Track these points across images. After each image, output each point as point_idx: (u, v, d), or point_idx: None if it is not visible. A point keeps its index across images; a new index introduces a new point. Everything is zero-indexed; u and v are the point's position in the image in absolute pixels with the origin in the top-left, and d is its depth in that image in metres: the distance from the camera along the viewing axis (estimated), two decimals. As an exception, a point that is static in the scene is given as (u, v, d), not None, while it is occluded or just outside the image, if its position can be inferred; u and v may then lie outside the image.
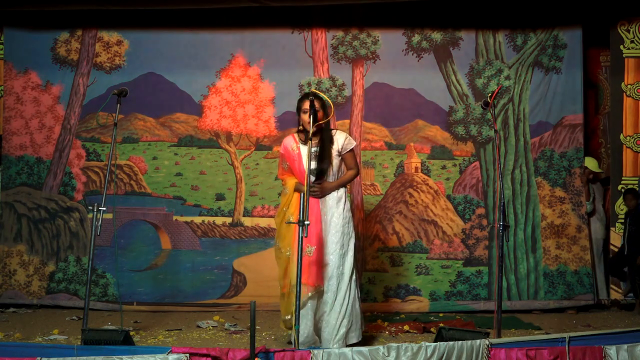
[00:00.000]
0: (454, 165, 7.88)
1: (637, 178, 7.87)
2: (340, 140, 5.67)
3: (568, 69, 7.86)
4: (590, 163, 8.00)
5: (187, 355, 4.46)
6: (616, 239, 7.88)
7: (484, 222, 7.80)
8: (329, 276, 5.53)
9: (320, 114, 5.52)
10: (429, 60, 7.89)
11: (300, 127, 5.69)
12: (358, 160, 7.69)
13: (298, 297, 5.01)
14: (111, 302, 7.70)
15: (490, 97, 5.53)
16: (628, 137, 7.95)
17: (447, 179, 7.88)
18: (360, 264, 7.68)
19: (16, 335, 6.25)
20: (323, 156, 5.60)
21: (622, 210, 7.84)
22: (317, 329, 5.57)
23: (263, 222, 7.89)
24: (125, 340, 5.08)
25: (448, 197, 7.85)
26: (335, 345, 5.36)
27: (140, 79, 7.96)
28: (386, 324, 6.72)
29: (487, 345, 4.67)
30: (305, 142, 5.58)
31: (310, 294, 5.47)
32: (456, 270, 7.77)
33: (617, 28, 7.97)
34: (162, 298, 7.76)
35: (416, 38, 7.90)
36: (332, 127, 6.24)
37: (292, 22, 7.94)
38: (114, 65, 8.00)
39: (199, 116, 7.98)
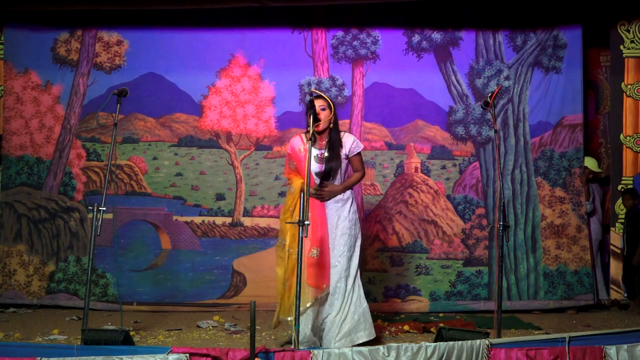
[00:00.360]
0: (454, 165, 7.89)
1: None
2: (348, 143, 5.65)
3: (568, 69, 7.86)
4: (590, 163, 8.00)
5: (187, 355, 4.46)
6: (616, 239, 7.88)
7: (484, 222, 7.80)
8: (338, 278, 5.52)
9: (326, 113, 5.52)
10: (429, 60, 7.89)
11: (308, 129, 5.66)
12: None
13: (298, 297, 5.01)
14: (111, 302, 7.70)
15: (490, 97, 5.53)
16: (628, 137, 7.96)
17: (447, 179, 7.88)
18: (360, 264, 7.67)
19: (16, 335, 6.24)
20: (331, 158, 5.58)
21: (622, 210, 7.84)
22: (317, 331, 5.55)
23: (263, 222, 7.89)
24: (125, 340, 5.08)
25: (448, 197, 7.86)
26: (337, 344, 5.35)
27: (140, 79, 7.96)
28: (386, 324, 6.72)
29: (487, 345, 4.67)
30: (313, 143, 5.57)
31: (317, 297, 5.44)
32: (456, 270, 7.77)
33: (617, 28, 7.97)
34: (162, 298, 7.77)
35: (416, 38, 7.90)
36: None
37: (292, 22, 7.94)
38: (114, 65, 8.00)
39: (199, 116, 7.98)
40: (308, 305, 5.43)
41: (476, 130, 7.87)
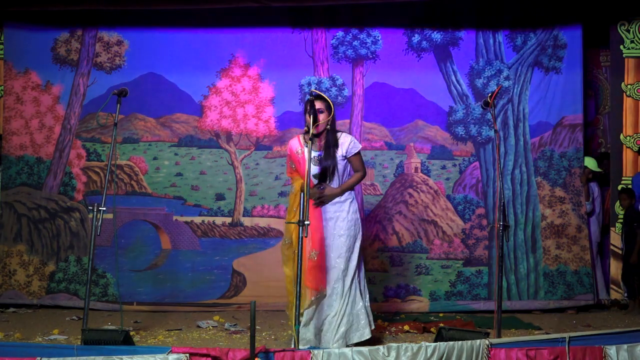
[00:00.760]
0: (454, 165, 7.89)
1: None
2: (345, 143, 5.61)
3: (568, 68, 7.86)
4: (590, 162, 8.00)
5: (187, 355, 4.45)
6: (616, 239, 7.88)
7: (484, 222, 7.80)
8: (335, 279, 5.51)
9: (324, 116, 5.51)
10: (429, 60, 7.89)
11: (306, 129, 5.65)
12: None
13: (298, 297, 5.00)
14: (111, 302, 7.70)
15: (490, 97, 5.53)
16: (628, 137, 7.96)
17: (447, 179, 7.88)
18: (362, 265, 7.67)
19: (16, 335, 6.25)
20: (325, 160, 5.56)
21: (622, 210, 7.84)
22: (317, 332, 5.54)
23: (263, 222, 7.89)
24: (125, 340, 5.08)
25: (448, 197, 7.86)
26: (335, 345, 5.35)
27: (140, 79, 7.96)
28: (386, 324, 6.72)
29: (487, 345, 4.67)
30: (312, 145, 5.56)
31: (313, 298, 5.45)
32: (456, 270, 7.77)
33: (617, 28, 7.97)
34: (162, 298, 7.77)
35: (416, 38, 7.90)
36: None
37: (292, 22, 7.94)
38: (114, 65, 8.00)
39: (199, 116, 7.98)
40: (305, 306, 5.43)
41: (476, 130, 7.87)
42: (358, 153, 5.66)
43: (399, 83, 7.92)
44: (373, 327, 5.73)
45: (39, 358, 4.40)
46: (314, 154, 5.55)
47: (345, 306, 5.50)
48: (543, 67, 7.88)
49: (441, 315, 7.49)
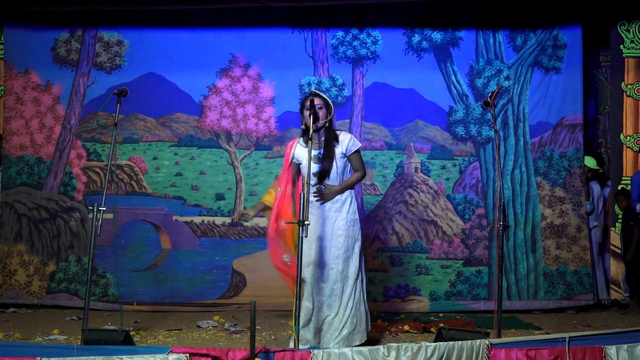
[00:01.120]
0: (454, 165, 7.89)
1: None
2: (345, 141, 5.61)
3: (568, 69, 7.86)
4: (589, 161, 8.01)
5: (187, 355, 4.45)
6: (616, 239, 7.89)
7: (484, 222, 7.80)
8: (334, 280, 5.51)
9: (322, 112, 5.50)
10: (429, 60, 7.89)
11: (303, 127, 5.64)
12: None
13: (298, 296, 5.00)
14: (111, 302, 7.70)
15: (490, 97, 5.53)
16: (628, 137, 7.96)
17: (447, 179, 7.88)
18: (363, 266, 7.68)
19: (16, 335, 6.25)
20: (325, 158, 5.56)
21: (621, 211, 7.85)
22: (316, 332, 5.53)
23: (263, 222, 7.85)
24: (125, 340, 5.08)
25: (448, 197, 7.86)
26: (335, 346, 5.34)
27: (140, 79, 7.97)
28: (386, 324, 6.72)
29: (487, 345, 4.67)
30: (306, 143, 5.55)
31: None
32: (456, 270, 7.77)
33: (617, 28, 7.97)
34: (162, 298, 7.77)
35: (416, 38, 7.90)
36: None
37: (292, 22, 7.94)
38: (114, 66, 8.00)
39: (199, 116, 7.98)
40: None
41: (476, 130, 7.87)
42: (358, 151, 5.65)
43: (399, 83, 7.92)
44: (370, 328, 5.76)
45: (39, 358, 4.40)
46: (314, 152, 5.54)
47: (349, 309, 5.49)
48: (543, 67, 7.88)
49: (441, 315, 7.50)
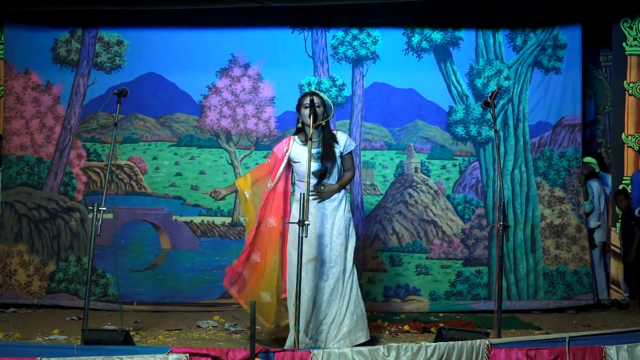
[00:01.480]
0: (454, 165, 7.89)
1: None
2: (342, 140, 5.64)
3: (568, 68, 7.86)
4: (590, 161, 8.03)
5: (187, 355, 4.46)
6: (616, 239, 7.88)
7: (484, 222, 7.80)
8: (336, 279, 5.51)
9: (321, 110, 5.50)
10: (429, 60, 7.89)
11: (300, 125, 5.65)
12: (358, 161, 7.75)
13: (298, 296, 5.00)
14: (111, 302, 7.70)
15: (490, 97, 5.52)
16: (630, 137, 7.94)
17: (447, 179, 7.88)
18: (360, 264, 7.68)
19: (16, 335, 6.25)
20: (326, 156, 5.56)
21: (622, 210, 7.85)
22: (313, 333, 5.51)
23: (263, 222, 7.88)
24: (125, 340, 5.08)
25: (448, 197, 7.86)
26: (335, 345, 5.34)
27: (140, 79, 7.97)
28: (386, 324, 6.72)
29: (487, 345, 4.67)
30: (305, 142, 5.55)
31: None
32: (456, 270, 7.77)
33: (619, 25, 7.92)
34: (162, 298, 7.77)
35: (416, 38, 7.90)
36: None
37: (292, 22, 7.94)
38: (114, 65, 8.00)
39: (198, 116, 7.98)
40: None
41: (476, 130, 7.87)
42: (351, 152, 5.69)
43: (399, 83, 7.92)
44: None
45: (39, 358, 4.40)
46: (313, 151, 5.54)
47: (346, 305, 5.50)
48: (543, 67, 7.88)
49: (441, 315, 7.49)
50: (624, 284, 7.75)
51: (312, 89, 7.55)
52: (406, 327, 6.54)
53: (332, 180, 5.60)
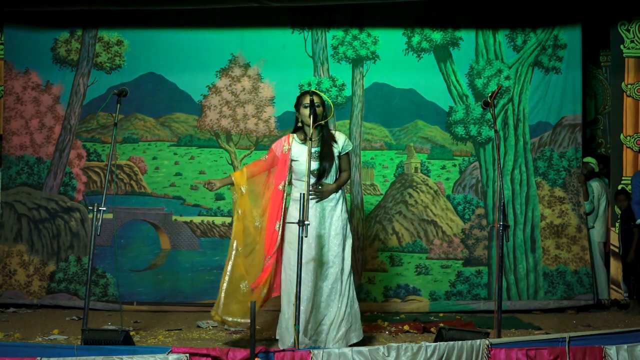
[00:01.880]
0: (454, 165, 7.89)
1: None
2: (341, 140, 5.65)
3: (568, 69, 7.86)
4: (591, 161, 8.03)
5: (187, 355, 4.46)
6: (616, 239, 7.89)
7: (484, 222, 7.80)
8: (334, 279, 5.52)
9: (320, 110, 5.50)
10: (429, 60, 7.89)
11: (299, 124, 5.65)
12: (358, 162, 7.75)
13: (298, 296, 5.00)
14: (111, 302, 7.70)
15: (490, 97, 5.53)
16: (628, 137, 7.96)
17: (447, 179, 7.88)
18: (360, 264, 7.69)
19: (16, 335, 6.25)
20: (325, 156, 5.57)
21: (622, 210, 7.85)
22: (312, 334, 5.52)
23: (263, 222, 7.87)
24: (125, 340, 5.08)
25: (448, 197, 7.86)
26: (335, 345, 5.35)
27: (140, 79, 7.97)
28: (386, 324, 6.72)
29: (487, 345, 4.67)
30: (304, 141, 5.55)
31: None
32: (456, 270, 7.77)
33: (617, 28, 7.97)
34: (162, 298, 7.77)
35: (416, 38, 7.90)
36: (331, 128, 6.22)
37: (292, 22, 7.94)
38: (114, 65, 8.00)
39: (198, 116, 7.98)
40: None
41: (476, 130, 7.87)
42: (348, 153, 5.70)
43: (399, 83, 7.92)
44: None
45: (39, 358, 4.40)
46: (313, 149, 5.54)
47: (345, 306, 5.51)
48: (543, 67, 7.88)
49: (441, 315, 7.50)
50: (624, 284, 7.76)
51: (312, 88, 7.54)
52: (406, 327, 6.54)
53: (330, 179, 5.60)
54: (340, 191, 5.66)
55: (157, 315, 7.37)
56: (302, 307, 5.32)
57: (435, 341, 4.92)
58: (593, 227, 8.02)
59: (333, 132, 5.72)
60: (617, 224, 7.88)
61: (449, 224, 7.83)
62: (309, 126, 5.45)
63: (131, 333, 5.66)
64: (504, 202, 5.39)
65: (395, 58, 7.90)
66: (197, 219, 7.92)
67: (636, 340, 4.84)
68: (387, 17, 7.89)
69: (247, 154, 7.95)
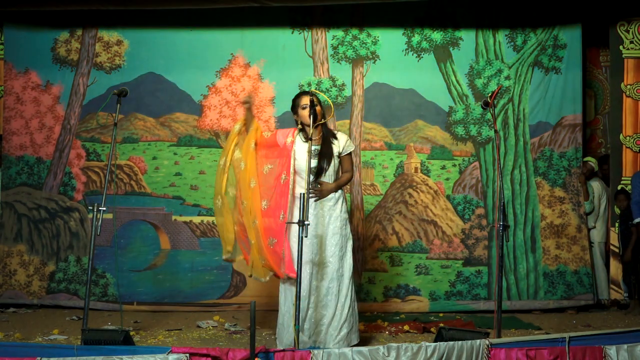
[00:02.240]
0: (454, 165, 7.89)
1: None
2: (342, 141, 5.66)
3: (568, 69, 7.86)
4: (591, 161, 8.03)
5: (187, 355, 4.46)
6: (616, 239, 7.88)
7: (484, 222, 7.80)
8: (330, 279, 5.52)
9: (318, 109, 5.50)
10: (429, 60, 7.89)
11: (300, 126, 5.65)
12: (358, 161, 7.75)
13: (298, 296, 5.00)
14: (111, 302, 7.70)
15: (490, 97, 5.53)
16: (628, 137, 7.96)
17: (447, 179, 7.88)
18: (360, 264, 7.69)
19: (16, 335, 6.25)
20: (324, 154, 5.57)
21: (621, 210, 7.85)
22: (312, 334, 5.52)
23: (263, 222, 7.87)
24: (125, 340, 5.08)
25: (448, 197, 7.86)
26: (335, 346, 5.35)
27: (140, 79, 7.97)
28: (386, 324, 6.72)
29: (487, 345, 4.67)
30: (305, 140, 5.55)
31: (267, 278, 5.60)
32: (456, 270, 7.77)
33: (616, 28, 7.98)
34: (162, 298, 7.77)
35: (416, 38, 7.90)
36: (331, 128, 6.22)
37: (292, 22, 7.94)
38: (114, 65, 8.00)
39: (198, 116, 7.98)
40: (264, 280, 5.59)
41: (476, 130, 7.87)
42: (350, 154, 5.70)
43: (399, 83, 7.92)
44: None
45: (39, 358, 4.40)
46: (313, 147, 5.54)
47: (347, 308, 5.50)
48: (543, 67, 7.88)
49: (441, 315, 7.50)
50: (624, 284, 7.76)
51: (312, 89, 7.55)
52: (406, 327, 6.54)
53: (329, 179, 5.61)
54: (340, 191, 5.66)
55: (157, 315, 7.38)
56: (302, 307, 5.33)
57: (435, 341, 4.92)
58: (594, 227, 8.02)
59: (335, 132, 5.73)
60: (617, 224, 7.88)
61: (449, 224, 7.83)
62: (309, 126, 5.46)
63: (131, 333, 5.66)
64: (504, 202, 5.39)
65: (395, 58, 7.90)
66: (196, 219, 7.92)
67: (636, 340, 4.85)
68: (387, 17, 7.89)
69: (247, 154, 7.93)
